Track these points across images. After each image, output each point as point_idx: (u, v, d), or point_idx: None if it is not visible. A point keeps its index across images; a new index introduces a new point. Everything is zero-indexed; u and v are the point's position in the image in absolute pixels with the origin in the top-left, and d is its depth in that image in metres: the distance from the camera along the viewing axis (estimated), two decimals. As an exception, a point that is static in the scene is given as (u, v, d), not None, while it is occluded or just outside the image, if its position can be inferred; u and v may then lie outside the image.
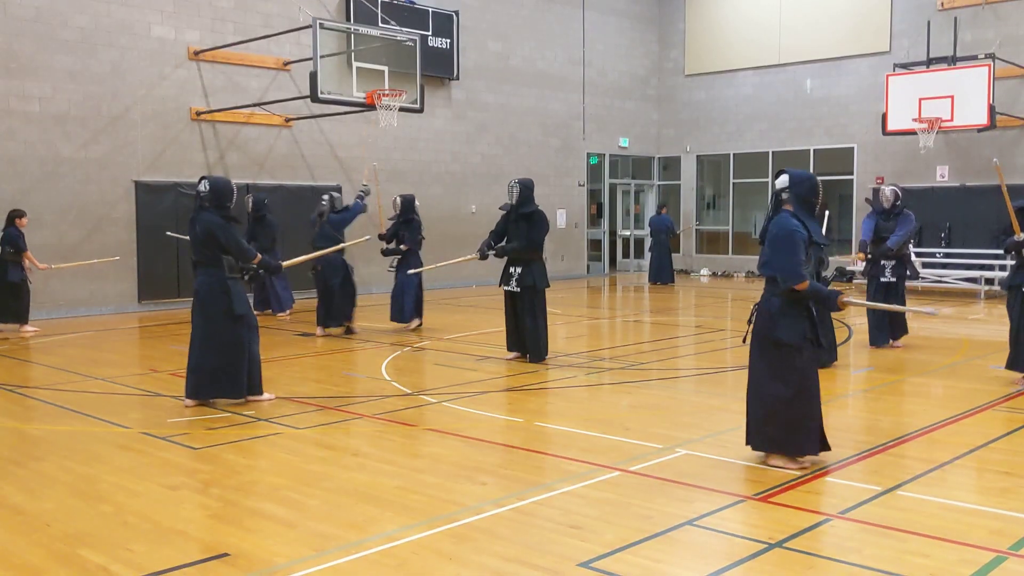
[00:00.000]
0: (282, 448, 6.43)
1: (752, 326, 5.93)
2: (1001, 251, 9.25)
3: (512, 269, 9.88)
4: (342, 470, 5.85)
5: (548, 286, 10.02)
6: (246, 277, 7.76)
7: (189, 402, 7.75)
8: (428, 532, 4.68)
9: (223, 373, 7.62)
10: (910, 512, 4.96)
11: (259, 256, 7.84)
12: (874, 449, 6.27)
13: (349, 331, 12.34)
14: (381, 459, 6.13)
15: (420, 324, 12.82)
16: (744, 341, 6.07)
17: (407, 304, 12.66)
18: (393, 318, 12.72)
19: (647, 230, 22.64)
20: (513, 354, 10.04)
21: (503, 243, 10.04)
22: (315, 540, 4.60)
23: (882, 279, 11.01)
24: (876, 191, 11.69)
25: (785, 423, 5.75)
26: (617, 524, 4.78)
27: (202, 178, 7.79)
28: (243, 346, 7.66)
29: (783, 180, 5.84)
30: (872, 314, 10.99)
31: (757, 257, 5.88)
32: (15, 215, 12.75)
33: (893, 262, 10.91)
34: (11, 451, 6.37)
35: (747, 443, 6.04)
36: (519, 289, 9.80)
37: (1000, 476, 5.68)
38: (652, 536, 4.61)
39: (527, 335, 9.87)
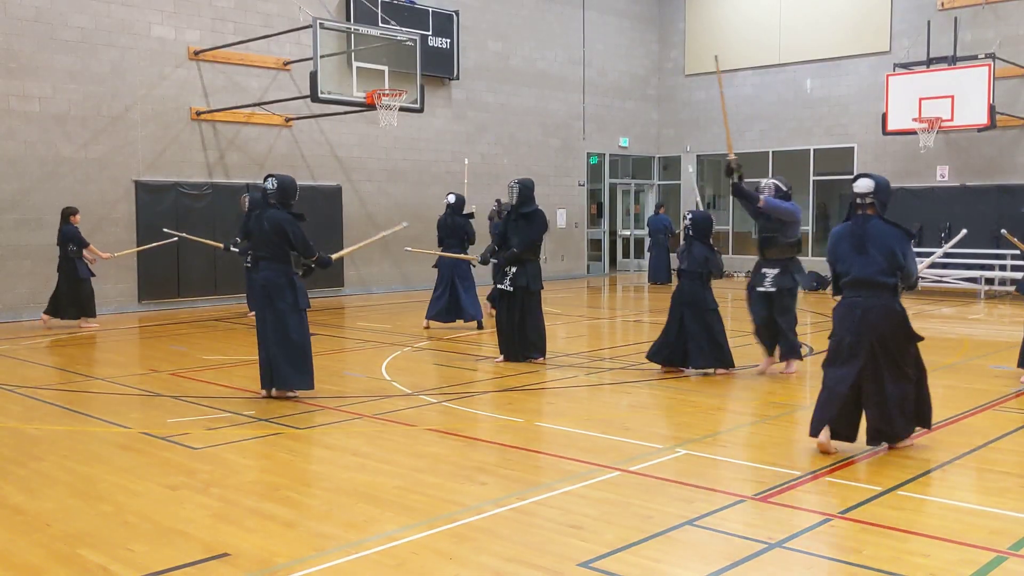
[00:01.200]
0: (282, 448, 6.43)
1: (867, 334, 5.98)
2: (998, 250, 9.17)
3: (507, 268, 9.87)
4: (342, 470, 5.85)
5: (542, 287, 10.01)
6: (300, 272, 7.99)
7: (264, 392, 8.06)
8: (428, 532, 4.68)
9: (294, 365, 7.88)
10: (910, 512, 4.96)
11: (317, 254, 8.04)
12: (874, 449, 6.27)
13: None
14: (381, 459, 6.13)
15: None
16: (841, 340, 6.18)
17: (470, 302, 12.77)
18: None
19: (646, 230, 22.64)
20: (501, 357, 10.01)
21: (503, 250, 9.99)
22: (315, 540, 4.60)
23: (759, 288, 9.07)
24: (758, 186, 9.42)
25: (913, 410, 6.17)
26: (617, 524, 4.78)
27: (268, 176, 8.02)
28: (308, 338, 7.98)
29: (868, 185, 6.07)
30: None
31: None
32: (69, 212, 13.08)
33: (777, 269, 8.97)
34: (11, 451, 6.37)
35: (873, 443, 6.14)
36: (512, 288, 9.79)
37: (1000, 476, 5.68)
38: (652, 536, 4.61)
39: (528, 334, 9.84)
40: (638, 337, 12.81)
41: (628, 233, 24.97)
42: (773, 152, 22.58)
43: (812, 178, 22.03)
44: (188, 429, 6.94)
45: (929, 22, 19.10)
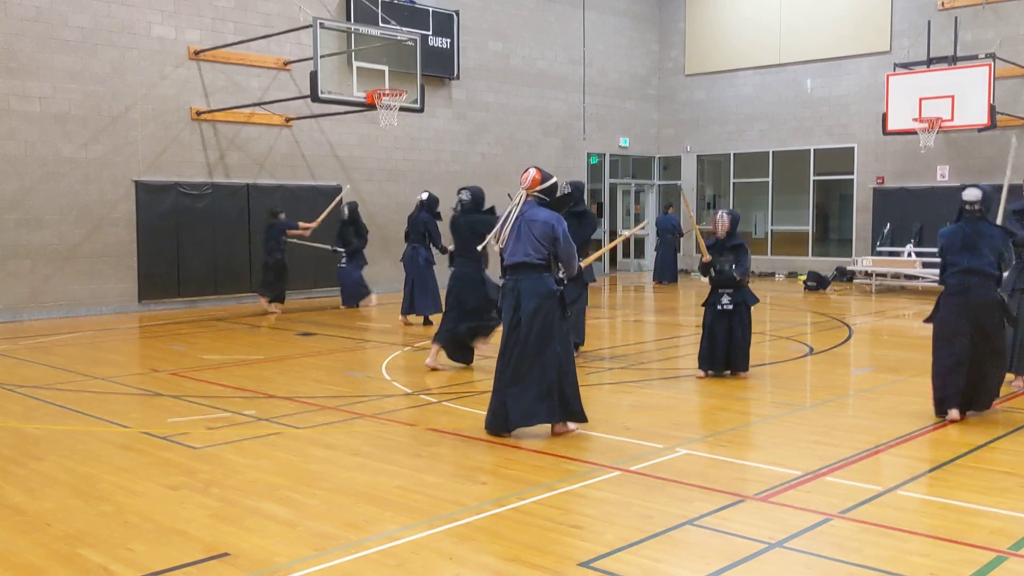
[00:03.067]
0: (282, 448, 6.43)
1: (974, 317, 7.00)
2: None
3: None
4: (342, 470, 5.85)
5: (593, 280, 10.49)
6: None
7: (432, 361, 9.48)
8: (428, 532, 4.68)
9: (469, 340, 9.53)
10: (910, 512, 4.96)
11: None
12: (874, 449, 6.27)
13: None
14: (381, 459, 6.13)
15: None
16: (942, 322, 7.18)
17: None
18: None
19: (646, 230, 22.61)
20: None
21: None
22: (315, 540, 4.60)
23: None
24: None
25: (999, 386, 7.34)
26: (617, 524, 4.78)
27: (461, 189, 9.57)
28: (488, 322, 9.43)
29: (976, 194, 7.14)
30: None
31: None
32: (277, 211, 15.17)
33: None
34: (11, 451, 6.37)
35: (981, 407, 7.18)
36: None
37: (1000, 476, 5.68)
38: (652, 536, 4.61)
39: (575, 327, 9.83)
40: (639, 337, 12.80)
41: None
42: (773, 152, 22.59)
43: (812, 178, 22.03)
44: (188, 429, 6.94)
45: (929, 22, 19.10)
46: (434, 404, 7.89)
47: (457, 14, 19.59)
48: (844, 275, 20.21)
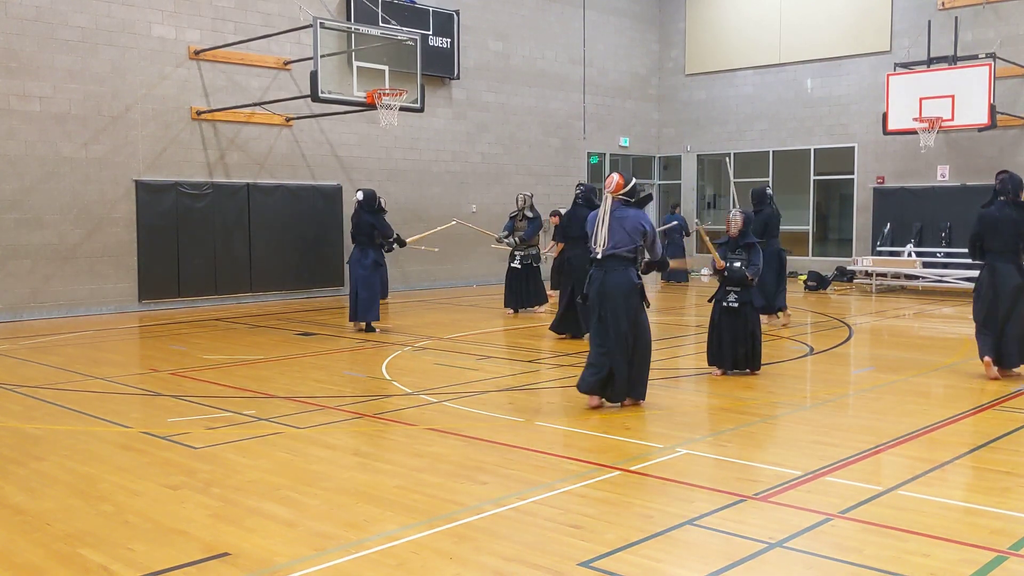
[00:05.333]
0: (282, 448, 6.43)
1: None
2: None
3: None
4: (342, 470, 5.85)
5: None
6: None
7: None
8: (428, 532, 4.68)
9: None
10: (910, 512, 4.96)
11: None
12: (874, 449, 6.27)
13: None
14: (381, 459, 6.13)
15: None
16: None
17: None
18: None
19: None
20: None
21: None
22: (315, 540, 4.60)
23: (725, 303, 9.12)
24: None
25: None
26: (617, 524, 4.79)
27: (754, 191, 12.50)
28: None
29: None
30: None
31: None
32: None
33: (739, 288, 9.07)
34: (11, 451, 6.37)
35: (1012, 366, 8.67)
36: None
37: (1000, 476, 5.68)
38: (652, 536, 4.61)
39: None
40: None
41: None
42: (773, 152, 22.58)
43: (812, 178, 22.02)
44: (188, 429, 6.94)
45: (929, 22, 19.09)
46: (434, 404, 7.89)
47: (457, 14, 19.59)
48: (844, 275, 20.21)
